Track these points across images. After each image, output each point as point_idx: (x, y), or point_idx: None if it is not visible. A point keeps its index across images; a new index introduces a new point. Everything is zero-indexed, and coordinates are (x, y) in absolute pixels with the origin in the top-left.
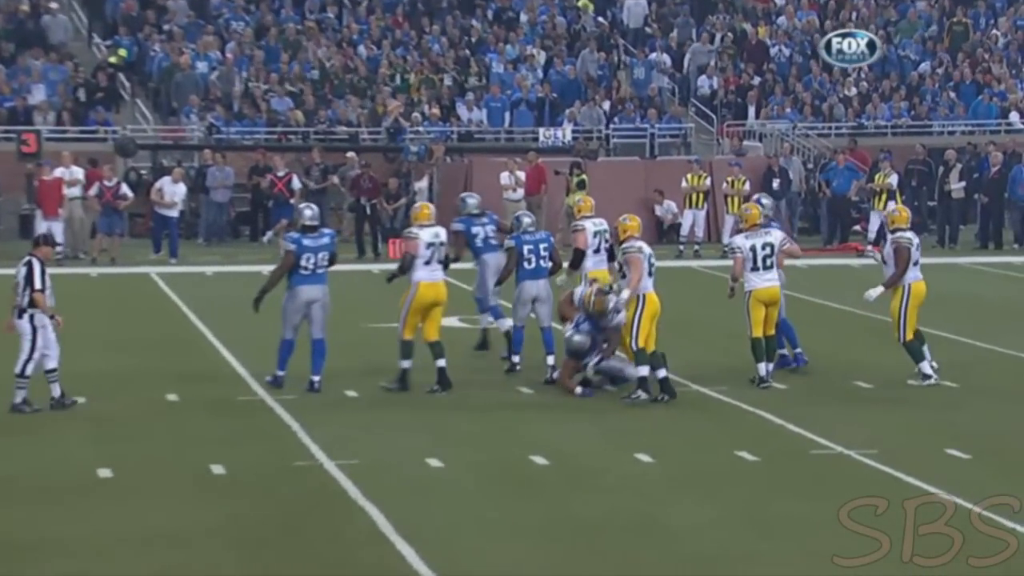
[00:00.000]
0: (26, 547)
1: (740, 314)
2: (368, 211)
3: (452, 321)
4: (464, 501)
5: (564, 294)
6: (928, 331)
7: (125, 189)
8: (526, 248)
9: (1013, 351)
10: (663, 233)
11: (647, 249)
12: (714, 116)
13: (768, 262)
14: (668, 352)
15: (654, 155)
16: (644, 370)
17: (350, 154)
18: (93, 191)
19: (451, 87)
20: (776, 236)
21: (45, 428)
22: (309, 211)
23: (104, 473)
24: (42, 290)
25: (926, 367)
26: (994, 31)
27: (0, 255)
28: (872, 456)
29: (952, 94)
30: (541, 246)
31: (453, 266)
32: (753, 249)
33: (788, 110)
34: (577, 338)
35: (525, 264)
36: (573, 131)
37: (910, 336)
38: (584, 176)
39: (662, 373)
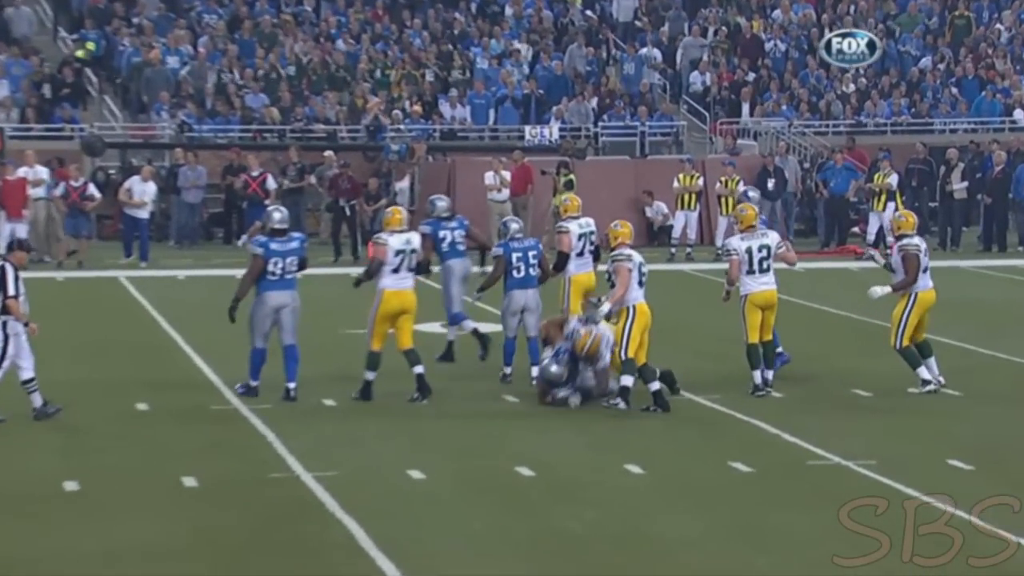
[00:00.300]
0: None
1: (734, 319)
2: (347, 212)
3: (434, 327)
4: (446, 514)
5: (553, 317)
6: (930, 337)
7: (92, 189)
8: (515, 256)
9: (1017, 357)
10: (654, 235)
11: (637, 258)
12: (707, 113)
13: (765, 264)
14: (659, 359)
15: (645, 154)
16: (628, 380)
17: (328, 153)
18: (59, 191)
19: (433, 83)
20: (773, 238)
21: (9, 438)
22: (278, 214)
23: (71, 486)
24: (16, 296)
25: (924, 372)
26: (998, 25)
27: None
28: (871, 467)
29: (954, 90)
30: (530, 253)
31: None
32: (749, 251)
33: (784, 107)
34: (554, 369)
35: (514, 273)
36: (560, 129)
37: (906, 343)
38: (572, 176)
39: (655, 386)
